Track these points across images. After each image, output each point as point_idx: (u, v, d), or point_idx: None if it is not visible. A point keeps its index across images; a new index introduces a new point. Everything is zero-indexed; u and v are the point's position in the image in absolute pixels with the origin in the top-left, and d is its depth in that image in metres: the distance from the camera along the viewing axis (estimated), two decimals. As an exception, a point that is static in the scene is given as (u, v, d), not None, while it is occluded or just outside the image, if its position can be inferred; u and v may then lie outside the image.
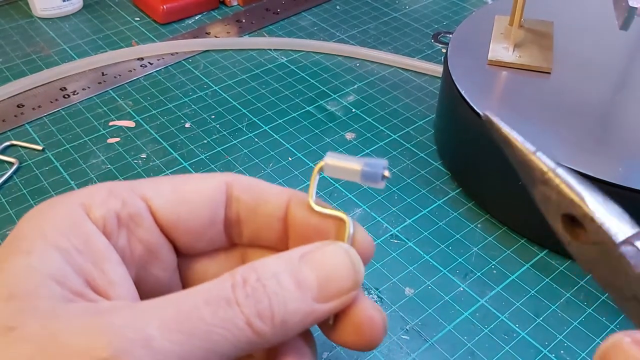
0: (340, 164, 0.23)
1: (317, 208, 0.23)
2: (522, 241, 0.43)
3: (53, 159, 0.50)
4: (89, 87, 0.58)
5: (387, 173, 0.22)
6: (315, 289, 0.20)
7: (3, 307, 0.17)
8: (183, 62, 0.62)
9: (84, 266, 0.19)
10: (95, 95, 0.57)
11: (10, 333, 0.17)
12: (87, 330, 0.17)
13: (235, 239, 0.25)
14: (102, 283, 0.20)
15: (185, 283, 0.25)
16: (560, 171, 0.20)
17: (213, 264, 0.25)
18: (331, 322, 0.22)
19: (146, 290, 0.23)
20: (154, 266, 0.23)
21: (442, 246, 0.43)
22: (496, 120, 0.22)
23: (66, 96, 0.57)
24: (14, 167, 0.49)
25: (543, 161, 0.21)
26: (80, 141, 0.52)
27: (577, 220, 0.20)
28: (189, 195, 0.23)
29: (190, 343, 0.17)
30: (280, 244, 0.25)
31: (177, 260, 0.25)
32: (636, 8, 0.40)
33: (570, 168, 0.39)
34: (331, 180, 0.48)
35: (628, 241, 0.19)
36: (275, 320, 0.19)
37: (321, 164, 0.23)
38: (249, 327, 0.18)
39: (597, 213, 0.19)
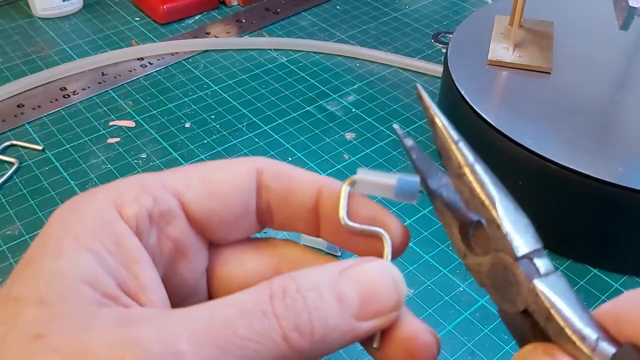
0: (374, 179, 0.22)
1: (350, 224, 0.22)
2: (522, 241, 0.43)
3: (53, 159, 0.50)
4: (89, 87, 0.58)
5: (421, 188, 0.22)
6: (356, 306, 0.19)
7: (33, 312, 0.17)
8: (183, 62, 0.62)
9: (116, 268, 0.19)
10: (95, 95, 0.57)
11: (38, 341, 0.16)
12: (115, 343, 0.16)
13: (266, 225, 0.24)
14: (132, 287, 0.19)
15: (210, 277, 0.24)
16: (478, 168, 0.19)
17: (241, 256, 0.24)
18: (375, 346, 0.21)
19: (171, 290, 0.22)
20: (181, 266, 0.22)
21: (442, 246, 0.43)
22: (426, 97, 0.20)
23: (66, 96, 0.57)
24: (14, 167, 0.49)
25: (463, 153, 0.19)
26: (80, 141, 0.52)
27: (476, 227, 0.20)
28: (221, 186, 0.22)
29: (222, 359, 0.17)
30: (312, 231, 0.24)
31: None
32: (636, 8, 0.40)
33: (567, 167, 0.39)
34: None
35: (527, 256, 0.19)
36: (315, 336, 0.18)
37: (351, 179, 0.22)
38: (286, 342, 0.17)
39: (505, 221, 0.19)
